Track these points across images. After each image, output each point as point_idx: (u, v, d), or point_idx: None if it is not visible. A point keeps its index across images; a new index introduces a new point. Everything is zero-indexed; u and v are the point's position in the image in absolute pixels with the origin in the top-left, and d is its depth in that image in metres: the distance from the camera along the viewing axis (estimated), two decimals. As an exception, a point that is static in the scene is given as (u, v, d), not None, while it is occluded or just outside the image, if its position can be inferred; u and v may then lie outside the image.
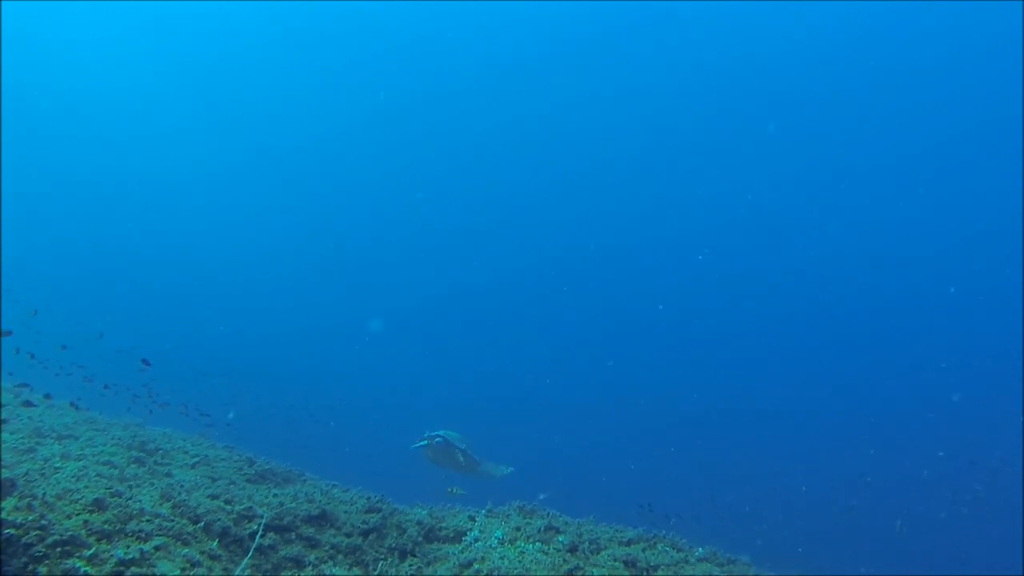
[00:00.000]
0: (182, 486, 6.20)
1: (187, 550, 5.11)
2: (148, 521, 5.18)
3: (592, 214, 40.65)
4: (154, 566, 4.79)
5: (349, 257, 43.43)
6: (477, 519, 6.80)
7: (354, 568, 6.17)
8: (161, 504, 5.56)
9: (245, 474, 7.54)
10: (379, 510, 6.74)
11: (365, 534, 6.47)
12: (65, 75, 39.15)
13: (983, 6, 28.29)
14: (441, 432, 10.27)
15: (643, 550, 6.16)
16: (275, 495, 6.61)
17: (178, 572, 4.83)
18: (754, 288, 39.19)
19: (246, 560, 5.30)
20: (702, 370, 36.39)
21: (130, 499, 5.35)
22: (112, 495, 5.30)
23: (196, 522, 5.54)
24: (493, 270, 42.57)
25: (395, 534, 6.59)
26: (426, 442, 10.06)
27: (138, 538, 4.98)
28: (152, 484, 6.09)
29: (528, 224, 41.92)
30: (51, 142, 41.50)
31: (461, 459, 9.91)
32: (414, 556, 6.35)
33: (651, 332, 39.74)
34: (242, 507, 6.11)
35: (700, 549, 6.61)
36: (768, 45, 32.91)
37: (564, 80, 36.39)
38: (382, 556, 6.39)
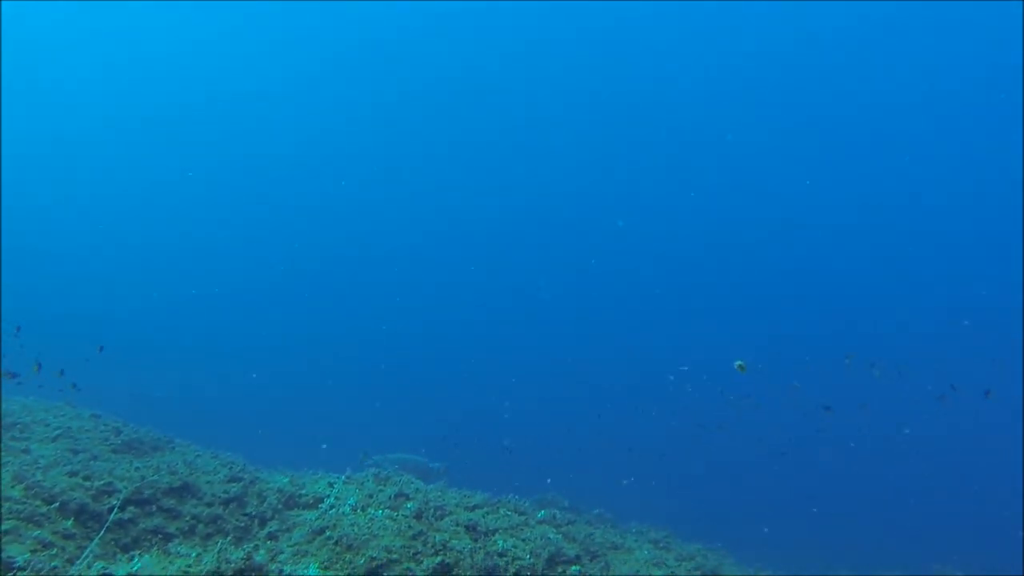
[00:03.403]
0: (38, 464, 6.36)
1: (39, 532, 5.37)
2: (-2, 505, 5.38)
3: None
4: (2, 550, 5.04)
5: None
6: (335, 486, 7.31)
7: (215, 536, 6.59)
8: (13, 486, 5.74)
9: (111, 444, 7.71)
10: (241, 479, 7.14)
11: (226, 503, 6.87)
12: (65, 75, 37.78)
13: (983, 6, 28.38)
14: (376, 457, 11.61)
15: (485, 515, 6.86)
16: (137, 468, 6.86)
17: (28, 555, 5.10)
18: (755, 285, 40.56)
19: (97, 537, 5.60)
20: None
21: (-21, 484, 5.50)
22: (-41, 481, 5.45)
23: (51, 502, 5.77)
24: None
25: (256, 502, 7.03)
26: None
27: (-14, 523, 5.19)
28: (6, 463, 6.22)
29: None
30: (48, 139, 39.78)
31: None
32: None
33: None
34: (101, 482, 6.36)
35: (542, 512, 7.38)
36: (769, 43, 32.76)
37: (563, 80, 36.28)
38: (242, 524, 6.84)
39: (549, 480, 13.14)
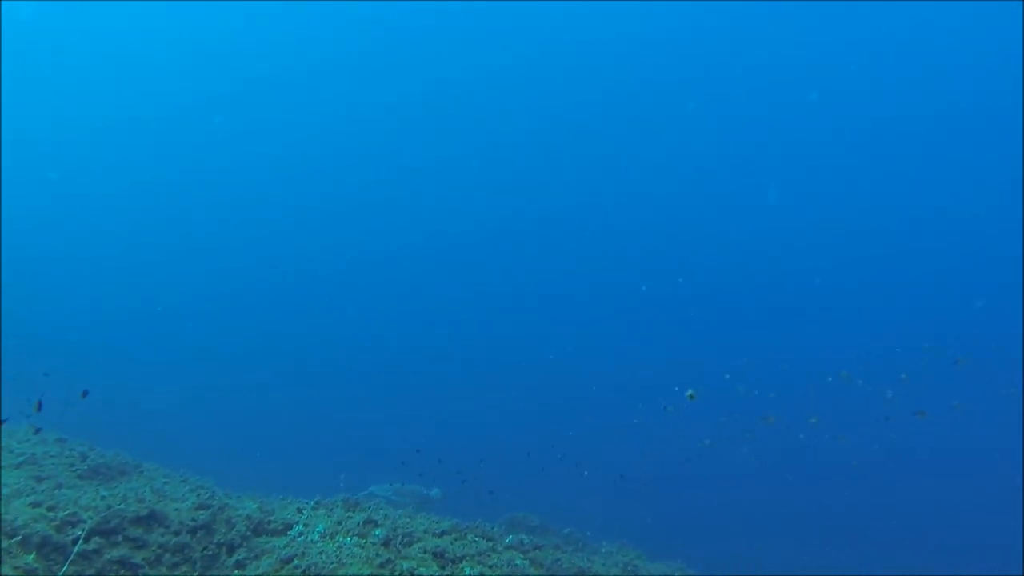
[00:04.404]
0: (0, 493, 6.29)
1: (-1, 568, 5.32)
2: (-43, 542, 5.33)
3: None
4: (-38, 589, 5.00)
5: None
6: (304, 511, 7.31)
7: (182, 566, 6.56)
8: (-26, 521, 5.67)
9: (76, 471, 7.64)
10: (209, 506, 7.11)
11: (194, 531, 6.84)
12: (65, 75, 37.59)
13: (983, 6, 28.48)
14: (373, 488, 11.80)
15: (453, 541, 6.91)
16: (103, 496, 6.81)
17: (-13, 594, 5.06)
18: (755, 281, 40.91)
19: (61, 572, 5.56)
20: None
21: (-62, 520, 5.44)
22: (-82, 517, 5.38)
23: (12, 536, 5.71)
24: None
25: (224, 529, 7.01)
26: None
27: (-55, 562, 5.14)
28: (-32, 495, 6.14)
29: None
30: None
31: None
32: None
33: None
34: (66, 513, 6.30)
35: (509, 538, 7.44)
36: (768, 44, 32.79)
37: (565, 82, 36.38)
38: (210, 552, 6.82)
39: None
